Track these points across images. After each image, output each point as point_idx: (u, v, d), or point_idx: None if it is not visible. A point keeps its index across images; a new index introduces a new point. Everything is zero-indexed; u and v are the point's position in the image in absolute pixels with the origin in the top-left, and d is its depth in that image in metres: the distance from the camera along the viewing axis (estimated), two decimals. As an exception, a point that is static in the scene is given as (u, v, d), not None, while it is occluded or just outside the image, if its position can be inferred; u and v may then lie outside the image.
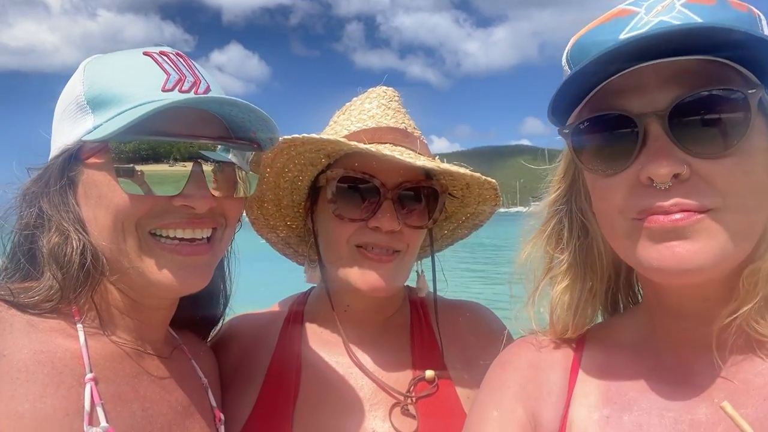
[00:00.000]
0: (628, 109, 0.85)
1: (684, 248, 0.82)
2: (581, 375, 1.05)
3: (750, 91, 0.81)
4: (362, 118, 1.37)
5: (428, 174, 1.36)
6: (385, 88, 1.46)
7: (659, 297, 0.99)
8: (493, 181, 1.35)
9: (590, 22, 0.93)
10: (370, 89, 1.47)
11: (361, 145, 1.22)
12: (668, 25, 0.80)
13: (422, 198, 1.36)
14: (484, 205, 1.45)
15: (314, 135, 1.25)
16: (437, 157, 1.40)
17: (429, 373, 1.35)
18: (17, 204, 1.08)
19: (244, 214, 1.39)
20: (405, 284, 1.50)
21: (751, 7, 0.89)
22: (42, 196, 1.05)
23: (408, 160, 1.21)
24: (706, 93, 0.81)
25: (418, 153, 1.33)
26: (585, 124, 0.91)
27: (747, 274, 0.85)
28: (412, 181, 1.32)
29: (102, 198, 1.01)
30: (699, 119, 0.82)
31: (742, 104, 0.81)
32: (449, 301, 1.55)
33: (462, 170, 1.29)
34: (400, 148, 1.31)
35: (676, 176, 0.82)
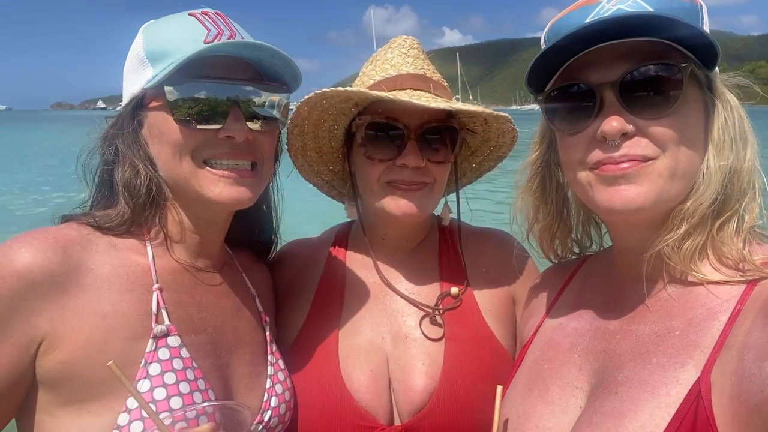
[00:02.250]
0: (589, 80, 1.04)
1: (630, 190, 1.01)
2: (563, 294, 1.35)
3: (683, 65, 1.00)
4: (385, 68, 1.51)
5: (449, 113, 1.48)
6: (405, 37, 1.57)
7: (613, 236, 1.22)
8: (507, 115, 1.46)
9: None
10: (392, 39, 1.59)
11: (381, 93, 1.37)
12: (623, 13, 1.00)
13: (443, 136, 1.47)
14: (504, 137, 1.57)
15: (339, 88, 1.40)
16: (454, 94, 1.53)
17: (454, 290, 1.54)
18: (99, 144, 1.29)
19: (292, 162, 1.61)
20: (434, 214, 1.67)
21: None
22: (118, 137, 1.25)
23: (423, 103, 1.34)
24: (649, 67, 1.00)
25: (436, 95, 1.46)
26: (555, 92, 1.11)
27: (675, 213, 1.03)
28: (433, 121, 1.44)
29: (163, 135, 1.20)
30: (643, 88, 1.01)
31: (676, 76, 1.00)
32: (476, 229, 1.71)
33: (477, 108, 1.40)
34: (418, 92, 1.44)
35: (624, 134, 1.00)
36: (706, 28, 1.06)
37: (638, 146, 1.00)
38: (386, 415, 1.40)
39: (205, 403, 1.14)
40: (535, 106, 1.18)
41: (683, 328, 1.00)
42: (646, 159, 1.01)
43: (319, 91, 1.40)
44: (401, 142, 1.43)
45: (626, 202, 1.02)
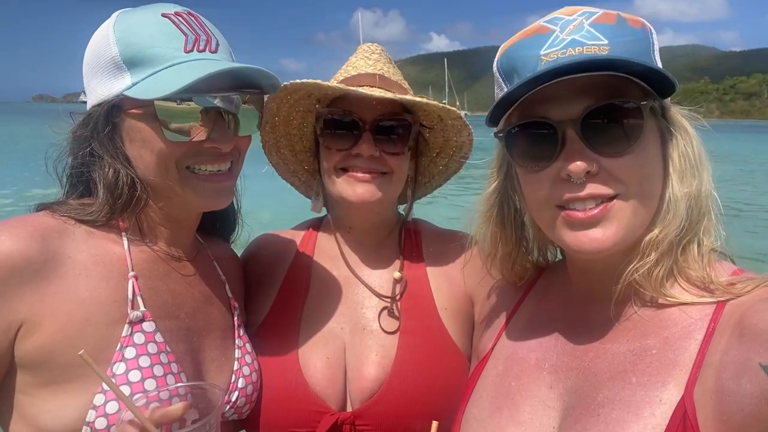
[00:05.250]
0: (550, 117, 1.03)
1: (598, 234, 1.03)
2: (522, 306, 1.36)
3: (642, 103, 1.01)
4: (348, 70, 1.62)
5: (405, 109, 1.57)
6: (369, 44, 1.70)
7: (572, 260, 1.24)
8: (455, 110, 1.55)
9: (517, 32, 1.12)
10: (359, 46, 1.71)
11: (335, 85, 1.47)
12: (577, 58, 0.99)
13: (397, 128, 1.56)
14: (461, 136, 1.65)
15: (298, 80, 1.49)
16: (425, 93, 1.62)
17: (396, 274, 1.63)
18: (69, 143, 1.30)
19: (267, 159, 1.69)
20: (401, 213, 1.77)
21: (644, 22, 1.08)
22: (92, 139, 1.25)
23: (372, 94, 1.44)
24: (609, 103, 1.00)
25: (391, 92, 1.54)
26: (515, 129, 1.09)
27: (645, 243, 1.04)
28: (387, 114, 1.54)
29: (146, 142, 1.22)
30: (604, 125, 1.01)
31: (636, 113, 1.01)
32: (440, 230, 1.80)
33: (422, 100, 1.50)
34: (375, 89, 1.53)
35: (588, 172, 1.01)
36: (657, 54, 1.08)
37: (602, 184, 1.02)
38: (339, 401, 1.47)
39: (178, 384, 1.20)
40: None
41: (659, 346, 1.00)
42: (610, 196, 1.02)
43: (282, 85, 1.47)
44: (357, 132, 1.53)
45: (596, 246, 1.03)
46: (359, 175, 1.53)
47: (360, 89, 1.46)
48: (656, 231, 1.03)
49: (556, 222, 1.07)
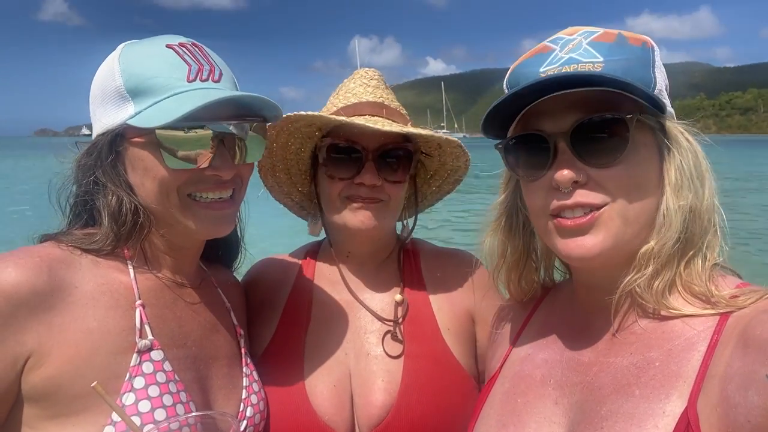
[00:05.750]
0: (544, 129, 1.09)
1: (586, 241, 1.06)
2: (529, 325, 1.37)
3: (628, 116, 1.04)
4: (347, 96, 1.64)
5: (405, 137, 1.60)
6: (367, 69, 1.72)
7: (576, 274, 1.26)
8: (457, 140, 1.60)
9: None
10: (356, 71, 1.73)
11: (340, 117, 1.49)
12: (573, 62, 1.07)
13: (399, 157, 1.59)
14: (458, 161, 1.69)
15: (302, 112, 1.52)
16: (421, 122, 1.64)
17: (398, 297, 1.64)
18: (74, 171, 1.31)
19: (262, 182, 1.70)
20: (398, 234, 1.79)
21: (647, 40, 1.13)
22: (96, 167, 1.27)
23: (378, 127, 1.46)
24: (598, 117, 1.04)
25: (393, 121, 1.58)
26: (513, 141, 1.16)
27: (641, 254, 1.06)
28: (389, 144, 1.56)
29: (148, 170, 1.23)
30: (592, 137, 1.05)
31: (622, 126, 1.04)
32: (439, 249, 1.82)
33: (427, 132, 1.54)
34: (375, 118, 1.56)
35: (576, 182, 1.05)
36: (659, 70, 1.11)
37: (589, 194, 1.05)
38: (347, 429, 1.47)
39: (188, 415, 1.19)
40: None
41: (662, 359, 1.01)
42: (598, 206, 1.05)
43: (284, 116, 1.50)
44: (360, 162, 1.55)
45: (583, 252, 1.07)
46: (360, 201, 1.55)
47: (365, 122, 1.48)
48: (652, 243, 1.05)
49: (550, 230, 1.11)
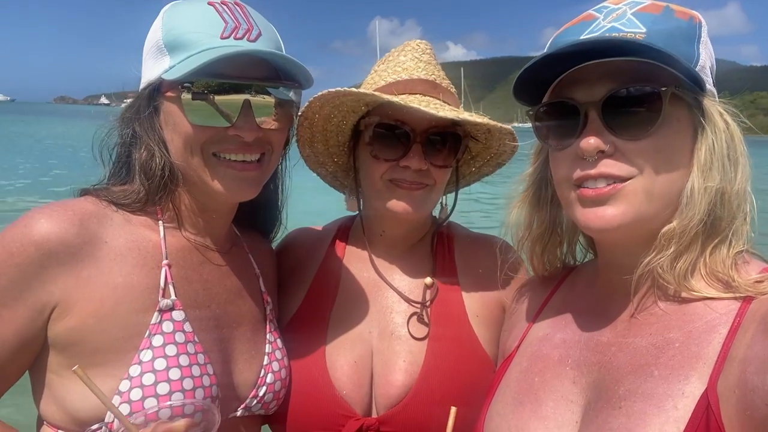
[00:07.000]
0: (575, 98, 1.06)
1: (606, 211, 1.04)
2: (548, 305, 1.36)
3: (662, 89, 1.00)
4: (397, 70, 1.56)
5: (454, 120, 1.53)
6: (419, 41, 1.63)
7: (600, 252, 1.24)
8: (509, 127, 1.52)
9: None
10: (406, 42, 1.64)
11: (393, 98, 1.42)
12: (615, 31, 1.04)
13: (447, 141, 1.53)
14: (504, 146, 1.62)
15: (353, 89, 1.46)
16: (460, 106, 1.57)
17: (428, 280, 1.60)
18: (117, 125, 1.34)
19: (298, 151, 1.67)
20: (434, 216, 1.73)
21: (694, 14, 1.08)
22: (135, 120, 1.30)
23: (432, 111, 1.39)
24: (631, 89, 1.02)
25: (445, 102, 1.51)
26: (543, 108, 1.14)
27: (663, 234, 1.04)
28: (439, 127, 1.49)
29: (176, 125, 1.25)
30: (624, 108, 1.02)
31: (655, 99, 1.01)
32: (473, 234, 1.77)
33: (483, 120, 1.46)
34: (428, 98, 1.49)
35: (602, 152, 1.02)
36: (704, 46, 1.06)
37: (615, 165, 1.03)
38: (364, 406, 1.46)
39: (175, 401, 1.18)
40: None
41: (683, 340, 1.00)
42: (623, 179, 1.02)
43: (333, 90, 1.45)
44: (407, 144, 1.49)
45: (603, 223, 1.04)
46: (405, 186, 1.51)
47: (419, 104, 1.41)
48: (674, 223, 1.02)
49: (572, 200, 1.09)
